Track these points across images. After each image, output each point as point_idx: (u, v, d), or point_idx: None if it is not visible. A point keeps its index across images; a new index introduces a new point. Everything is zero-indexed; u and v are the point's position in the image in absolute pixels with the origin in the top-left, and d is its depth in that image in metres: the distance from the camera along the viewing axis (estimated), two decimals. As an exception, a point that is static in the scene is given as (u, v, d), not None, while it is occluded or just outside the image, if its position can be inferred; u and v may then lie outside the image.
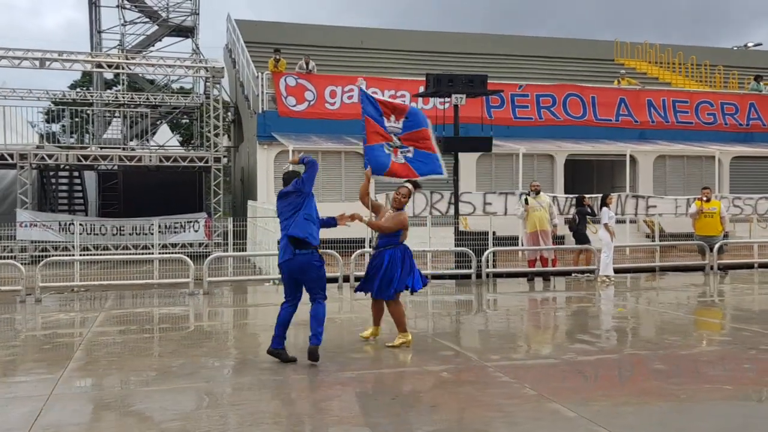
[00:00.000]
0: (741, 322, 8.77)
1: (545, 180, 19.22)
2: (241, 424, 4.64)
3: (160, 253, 13.43)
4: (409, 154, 7.79)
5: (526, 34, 32.38)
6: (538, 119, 20.57)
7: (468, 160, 18.57)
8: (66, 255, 14.44)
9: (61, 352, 7.07)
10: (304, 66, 19.62)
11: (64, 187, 24.45)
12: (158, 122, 26.46)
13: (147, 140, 24.46)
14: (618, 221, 17.00)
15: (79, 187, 24.35)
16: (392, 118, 8.14)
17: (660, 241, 16.91)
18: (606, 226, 12.57)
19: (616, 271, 13.36)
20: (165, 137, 27.89)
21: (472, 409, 5.01)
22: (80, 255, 13.72)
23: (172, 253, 13.08)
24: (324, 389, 5.48)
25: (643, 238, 18.48)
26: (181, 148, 30.08)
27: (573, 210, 14.40)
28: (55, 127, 34.46)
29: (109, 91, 27.44)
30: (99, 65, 19.21)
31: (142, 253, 14.37)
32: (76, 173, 23.71)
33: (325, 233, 14.44)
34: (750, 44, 38.04)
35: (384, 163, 7.66)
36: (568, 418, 4.76)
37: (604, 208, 12.77)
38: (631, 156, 19.87)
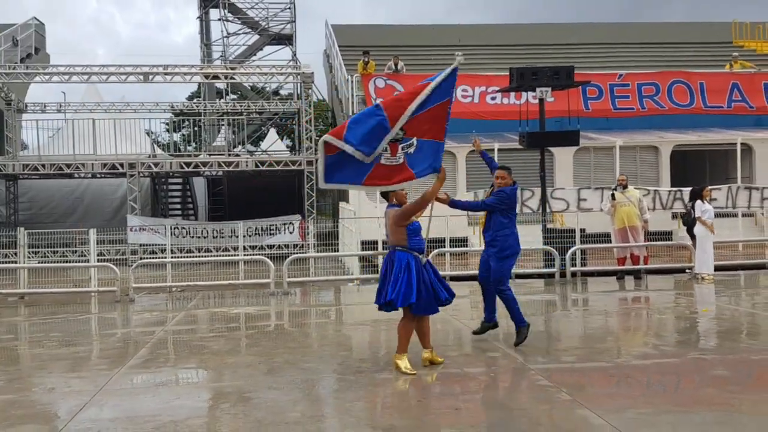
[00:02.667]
0: None
1: (649, 173, 18.19)
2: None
3: (245, 255, 13.89)
4: (411, 150, 5.99)
5: (651, 20, 30.79)
6: (640, 109, 19.49)
7: (565, 155, 17.95)
8: (156, 258, 15.28)
9: (128, 350, 7.47)
10: (393, 67, 19.69)
11: (177, 194, 25.97)
12: (262, 128, 27.52)
13: (248, 146, 25.52)
14: (726, 215, 15.92)
15: (189, 193, 25.79)
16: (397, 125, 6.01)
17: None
18: (700, 220, 11.67)
19: (722, 268, 12.40)
20: (276, 144, 28.96)
21: (493, 412, 4.79)
22: (172, 258, 14.43)
23: (254, 254, 13.51)
24: (371, 388, 5.44)
25: (758, 233, 17.06)
26: (286, 152, 31.16)
27: (684, 204, 13.43)
28: (176, 137, 36.80)
29: (216, 101, 28.87)
30: (211, 76, 20.22)
31: (226, 255, 14.94)
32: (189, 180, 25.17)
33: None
34: None
35: (359, 171, 5.99)
36: (592, 425, 4.44)
37: (698, 202, 11.86)
38: (747, 144, 18.40)
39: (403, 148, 6.01)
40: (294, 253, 14.54)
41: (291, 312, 10.02)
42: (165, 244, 17.75)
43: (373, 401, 5.31)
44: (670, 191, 14.91)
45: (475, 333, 7.17)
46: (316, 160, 21.31)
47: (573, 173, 18.67)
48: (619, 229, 12.27)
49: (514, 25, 29.63)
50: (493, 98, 19.11)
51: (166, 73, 18.07)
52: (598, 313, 9.37)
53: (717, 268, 12.37)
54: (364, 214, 17.00)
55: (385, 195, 6.19)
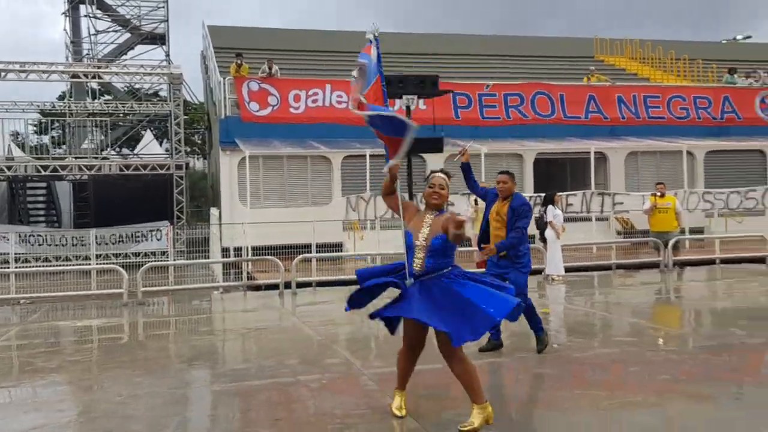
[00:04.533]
0: (643, 318, 8.52)
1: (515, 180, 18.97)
2: None
3: (97, 264, 13.25)
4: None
5: (520, 34, 32.16)
6: (506, 118, 20.31)
7: (437, 163, 18.35)
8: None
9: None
10: (267, 70, 19.46)
11: (41, 199, 24.43)
12: (141, 131, 26.43)
13: (120, 149, 24.43)
14: (580, 219, 16.90)
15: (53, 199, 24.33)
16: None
17: (631, 238, 16.74)
18: (551, 223, 12.31)
19: (573, 270, 13.12)
20: (150, 146, 27.81)
21: (309, 423, 4.79)
22: (17, 267, 13.55)
23: (106, 263, 12.92)
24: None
25: (614, 236, 18.20)
26: (161, 155, 30.02)
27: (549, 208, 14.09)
28: (46, 139, 34.64)
29: (84, 101, 27.38)
30: (71, 75, 19.15)
31: (77, 264, 14.21)
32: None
33: (268, 239, 14.21)
34: (739, 37, 37.63)
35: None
36: (409, 429, 4.53)
37: (550, 206, 12.51)
38: (602, 153, 19.62)
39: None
40: (160, 261, 14.06)
41: (138, 324, 9.60)
42: (19, 254, 16.69)
43: (196, 415, 5.17)
44: (531, 197, 15.64)
45: (482, 350, 6.51)
46: (187, 163, 20.78)
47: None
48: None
49: (400, 34, 30.13)
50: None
51: (21, 71, 16.95)
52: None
53: (573, 269, 13.13)
54: (237, 219, 16.70)
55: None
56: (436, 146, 14.53)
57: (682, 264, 13.76)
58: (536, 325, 6.55)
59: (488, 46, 29.15)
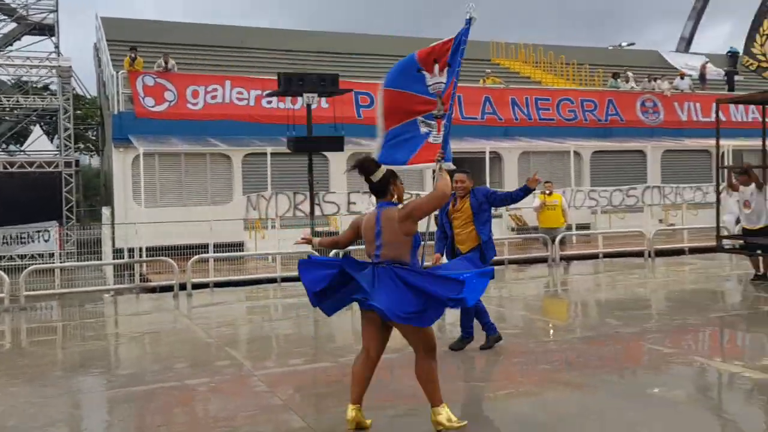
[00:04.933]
0: (534, 312, 8.99)
1: (413, 178, 19.32)
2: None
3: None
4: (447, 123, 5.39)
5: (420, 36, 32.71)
6: (407, 118, 20.68)
7: (338, 161, 18.40)
8: None
9: None
10: (163, 64, 18.91)
11: None
12: (18, 126, 24.95)
13: (5, 145, 23.00)
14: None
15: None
16: (436, 68, 5.49)
17: (524, 234, 17.46)
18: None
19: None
20: (40, 142, 26.27)
21: (200, 426, 4.76)
22: None
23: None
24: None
25: (508, 232, 18.90)
26: (51, 152, 28.49)
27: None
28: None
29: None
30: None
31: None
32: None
33: (165, 239, 13.78)
34: (624, 44, 39.84)
35: (410, 148, 5.48)
36: (292, 429, 4.59)
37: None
38: (497, 153, 20.35)
39: (445, 126, 5.43)
40: (45, 264, 13.41)
41: (20, 330, 9.12)
42: None
43: (71, 425, 5.03)
44: (418, 194, 15.99)
45: (452, 348, 6.50)
46: (77, 160, 19.81)
47: (347, 178, 19.31)
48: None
49: (303, 32, 29.96)
50: (268, 102, 19.11)
51: None
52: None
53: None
54: (132, 219, 16.15)
55: (377, 191, 4.46)
56: (336, 145, 14.66)
57: (569, 258, 14.49)
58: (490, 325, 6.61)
59: (390, 45, 29.46)
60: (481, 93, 21.51)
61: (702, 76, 27.76)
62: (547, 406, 4.98)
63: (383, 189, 4.43)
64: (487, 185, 18.58)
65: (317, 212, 14.83)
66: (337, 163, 18.49)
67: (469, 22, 5.44)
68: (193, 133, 18.58)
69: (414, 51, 5.70)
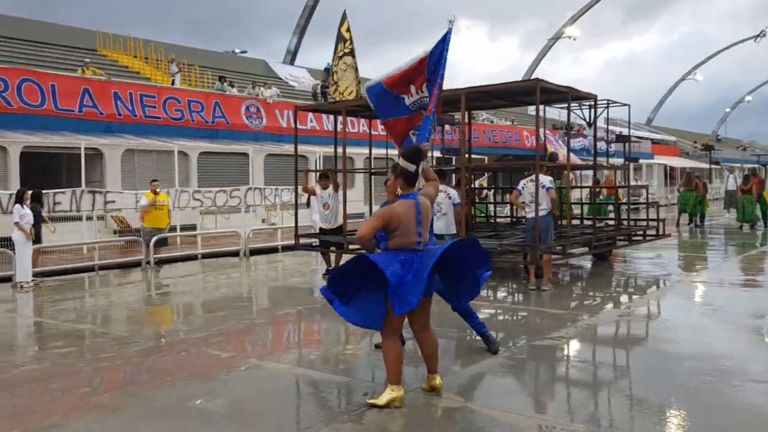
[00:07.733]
0: (104, 325, 8.54)
1: (-2, 174, 16.94)
2: None
3: None
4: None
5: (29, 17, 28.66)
6: None
7: None
8: None
9: None
10: None
11: None
12: None
13: None
14: (72, 218, 16.03)
15: None
16: (412, 88, 6.15)
17: (126, 237, 16.51)
18: (17, 224, 11.27)
19: (52, 273, 12.30)
20: None
21: None
22: None
23: None
24: None
25: (111, 235, 17.77)
26: None
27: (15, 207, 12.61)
28: None
29: None
30: None
31: None
32: None
33: None
34: (237, 50, 40.95)
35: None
36: None
37: (17, 206, 11.44)
38: (98, 149, 18.97)
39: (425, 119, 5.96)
40: None
41: None
42: None
43: None
44: (11, 194, 14.09)
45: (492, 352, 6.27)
46: None
47: None
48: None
49: None
50: None
51: None
52: None
53: (53, 273, 12.33)
54: None
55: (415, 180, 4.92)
56: None
57: (170, 261, 14.18)
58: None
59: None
60: (80, 84, 19.86)
61: (315, 95, 29.91)
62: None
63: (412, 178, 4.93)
64: (83, 184, 17.22)
65: None
66: None
67: (449, 33, 5.87)
68: None
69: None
